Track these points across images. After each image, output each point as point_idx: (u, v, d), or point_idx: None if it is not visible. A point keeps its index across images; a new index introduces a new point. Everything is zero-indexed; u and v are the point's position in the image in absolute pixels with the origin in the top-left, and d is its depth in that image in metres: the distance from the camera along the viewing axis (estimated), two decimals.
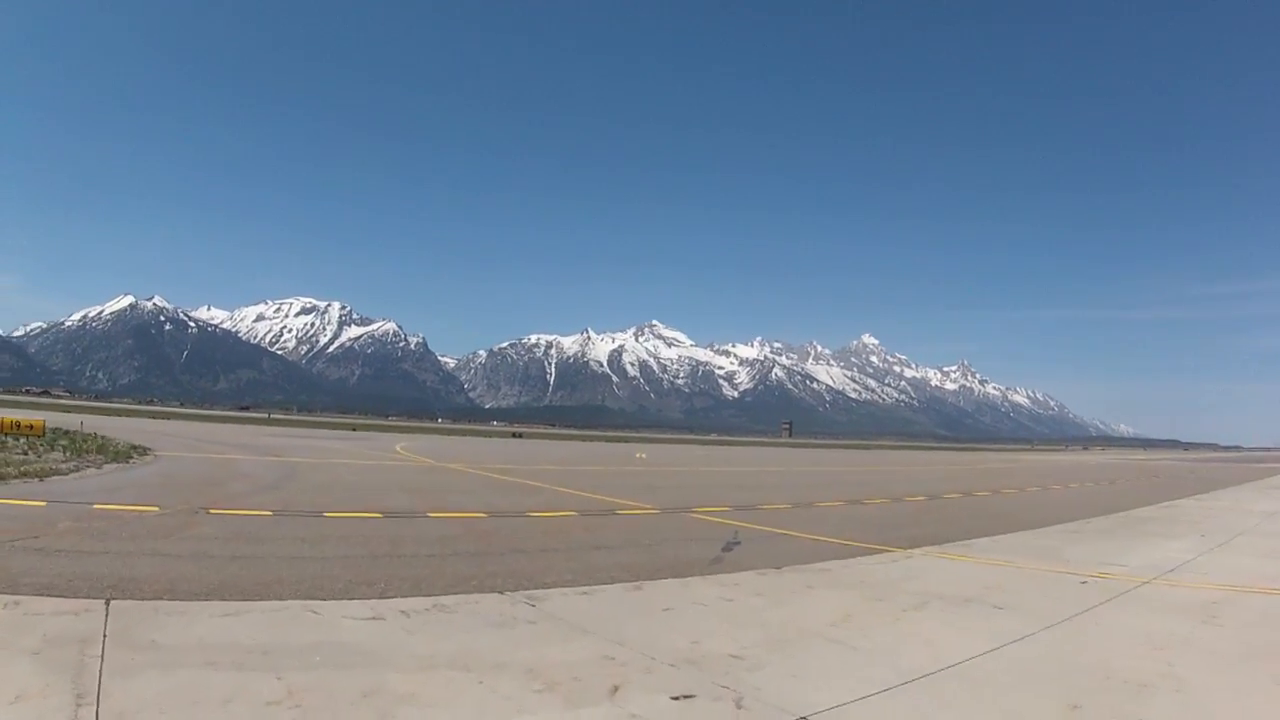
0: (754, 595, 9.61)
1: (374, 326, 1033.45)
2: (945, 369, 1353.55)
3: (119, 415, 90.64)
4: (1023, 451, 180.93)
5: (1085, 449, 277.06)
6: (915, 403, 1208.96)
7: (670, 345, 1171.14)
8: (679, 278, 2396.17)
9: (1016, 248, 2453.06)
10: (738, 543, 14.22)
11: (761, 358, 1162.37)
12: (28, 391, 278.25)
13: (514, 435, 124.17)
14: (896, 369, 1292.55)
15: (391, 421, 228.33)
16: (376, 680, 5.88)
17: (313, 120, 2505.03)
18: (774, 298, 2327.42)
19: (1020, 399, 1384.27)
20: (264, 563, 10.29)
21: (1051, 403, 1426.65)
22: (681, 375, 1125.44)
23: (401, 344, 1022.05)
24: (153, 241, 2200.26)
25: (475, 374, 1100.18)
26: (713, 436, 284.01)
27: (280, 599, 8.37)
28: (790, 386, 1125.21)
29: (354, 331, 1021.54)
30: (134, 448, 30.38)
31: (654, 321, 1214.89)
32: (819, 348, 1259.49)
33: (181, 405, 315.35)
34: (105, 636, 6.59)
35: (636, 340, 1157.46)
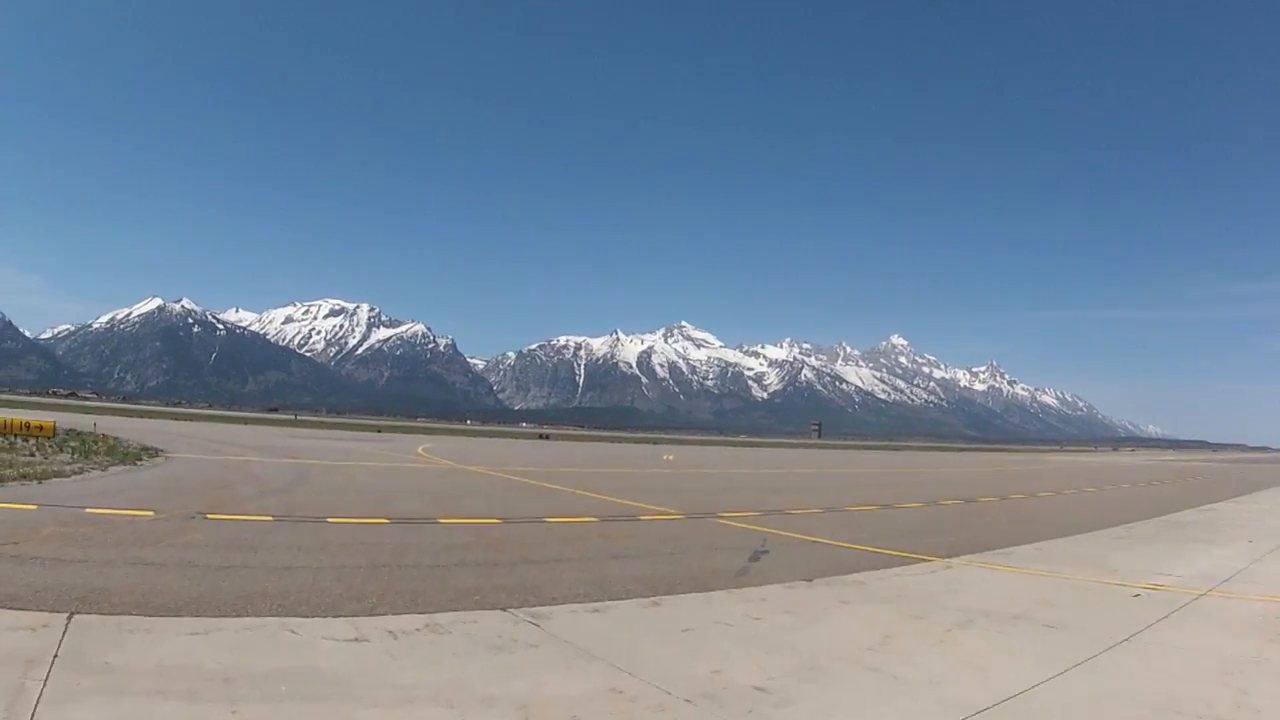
0: (783, 612, 8.75)
1: (403, 328, 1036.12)
2: (974, 369, 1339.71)
3: (141, 417, 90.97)
4: (1052, 453, 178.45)
5: (1115, 450, 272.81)
6: (944, 404, 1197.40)
7: (699, 346, 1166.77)
8: (708, 279, 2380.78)
9: (1045, 247, 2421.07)
10: (766, 551, 13.36)
11: (791, 359, 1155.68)
12: (54, 393, 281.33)
13: (541, 437, 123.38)
14: (925, 370, 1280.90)
15: (419, 423, 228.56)
16: (344, 717, 5.11)
17: (341, 124, 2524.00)
18: (803, 298, 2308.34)
19: (1049, 399, 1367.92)
20: (251, 573, 9.53)
21: (1080, 403, 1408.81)
22: (711, 376, 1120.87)
23: (430, 346, 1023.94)
24: (180, 245, 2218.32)
25: (504, 376, 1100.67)
26: (741, 438, 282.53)
27: (258, 615, 7.65)
28: (819, 388, 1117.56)
29: (383, 333, 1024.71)
30: (145, 449, 29.92)
31: (683, 323, 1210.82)
32: (848, 348, 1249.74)
33: (209, 407, 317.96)
34: (56, 657, 6.00)
35: (666, 342, 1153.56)
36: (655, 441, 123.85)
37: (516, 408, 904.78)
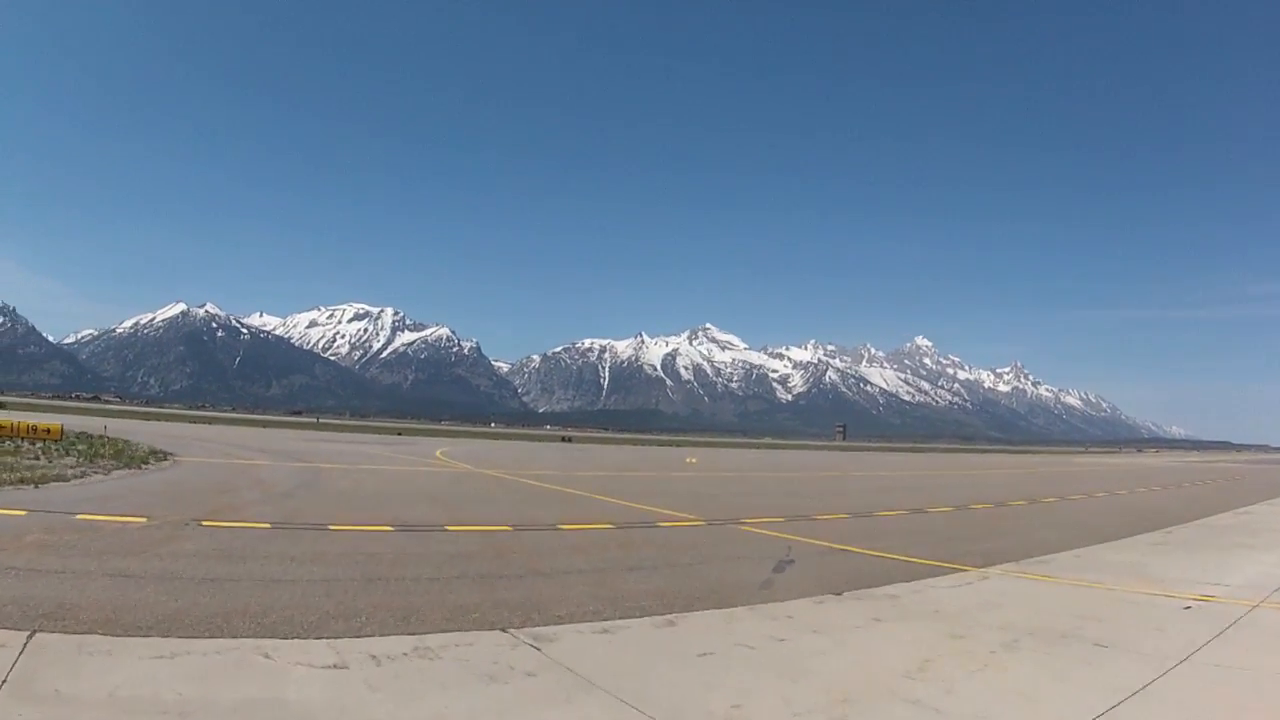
0: (811, 632, 7.96)
1: (427, 332, 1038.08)
2: (998, 370, 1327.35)
3: (159, 420, 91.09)
4: (1077, 454, 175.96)
5: (1139, 451, 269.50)
6: (968, 405, 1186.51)
7: (724, 349, 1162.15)
8: (733, 281, 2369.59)
9: (1068, 248, 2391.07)
10: (791, 561, 12.56)
11: (815, 360, 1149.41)
12: (77, 397, 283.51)
13: (564, 439, 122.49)
14: (950, 371, 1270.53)
15: (443, 426, 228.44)
16: None
17: (364, 128, 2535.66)
18: (827, 300, 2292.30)
19: (1073, 400, 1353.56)
20: (235, 587, 8.85)
21: (1104, 404, 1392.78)
22: (735, 378, 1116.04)
23: (455, 349, 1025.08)
24: (205, 249, 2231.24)
25: (529, 378, 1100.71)
26: (766, 440, 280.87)
27: (233, 636, 6.97)
28: (844, 389, 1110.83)
29: (407, 337, 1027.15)
30: (153, 453, 29.40)
31: (708, 325, 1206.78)
32: (872, 350, 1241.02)
33: (233, 411, 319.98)
34: (4, 684, 5.40)
35: (690, 344, 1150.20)
36: (679, 444, 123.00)
37: (541, 410, 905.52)
